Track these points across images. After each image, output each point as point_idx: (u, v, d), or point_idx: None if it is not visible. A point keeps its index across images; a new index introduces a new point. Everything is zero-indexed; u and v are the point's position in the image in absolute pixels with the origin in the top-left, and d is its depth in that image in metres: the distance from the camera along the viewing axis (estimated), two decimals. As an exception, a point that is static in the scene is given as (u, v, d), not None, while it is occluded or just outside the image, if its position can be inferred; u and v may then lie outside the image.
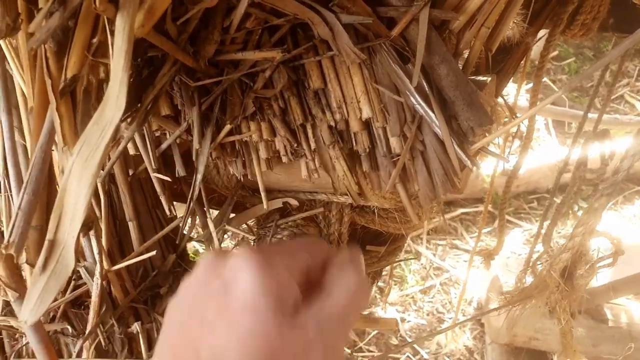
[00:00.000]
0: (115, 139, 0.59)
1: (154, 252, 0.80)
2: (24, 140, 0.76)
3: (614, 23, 1.24)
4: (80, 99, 0.58)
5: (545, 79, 4.07)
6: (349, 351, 2.75)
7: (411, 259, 3.17)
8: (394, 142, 0.77)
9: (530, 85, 4.08)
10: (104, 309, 0.80)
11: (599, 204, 0.60)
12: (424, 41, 0.71)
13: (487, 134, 0.77)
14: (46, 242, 0.50)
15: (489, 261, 1.33)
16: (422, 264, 3.25)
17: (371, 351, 2.81)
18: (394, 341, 2.93)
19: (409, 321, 2.95)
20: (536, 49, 1.24)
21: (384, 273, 3.24)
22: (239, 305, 0.38)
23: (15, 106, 0.79)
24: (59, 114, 0.54)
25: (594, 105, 3.13)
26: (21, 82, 0.69)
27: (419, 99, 0.74)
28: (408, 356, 2.75)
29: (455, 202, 3.46)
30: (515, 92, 1.53)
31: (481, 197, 3.38)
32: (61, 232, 0.50)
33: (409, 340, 2.89)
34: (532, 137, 1.24)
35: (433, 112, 0.74)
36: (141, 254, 0.82)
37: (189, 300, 0.43)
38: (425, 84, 0.74)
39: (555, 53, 4.35)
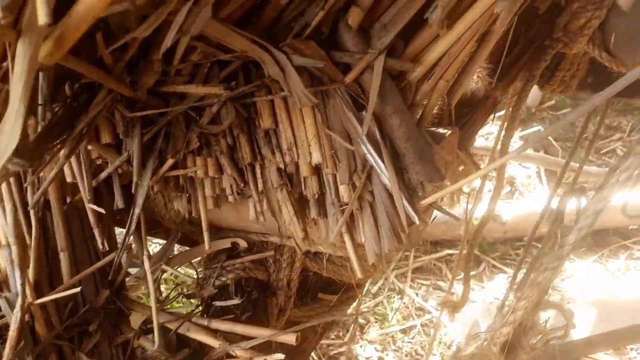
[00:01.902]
0: (7, 172, 0.55)
1: (78, 289, 0.75)
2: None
3: (593, 82, 1.23)
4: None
5: (540, 127, 4.08)
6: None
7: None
8: (342, 190, 0.74)
9: (525, 132, 4.07)
10: (21, 344, 0.75)
11: (543, 278, 0.56)
12: (377, 90, 0.69)
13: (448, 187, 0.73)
14: None
15: (454, 314, 1.28)
16: (404, 303, 3.19)
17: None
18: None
19: (387, 361, 2.87)
20: (532, 96, 1.20)
21: (365, 310, 3.17)
22: None
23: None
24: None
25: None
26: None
27: (370, 148, 0.71)
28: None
29: (442, 242, 3.42)
30: (499, 137, 1.45)
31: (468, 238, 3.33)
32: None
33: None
34: (502, 184, 1.21)
35: (383, 162, 0.71)
36: (70, 287, 0.77)
37: None
38: (377, 133, 0.71)
39: (551, 103, 4.37)
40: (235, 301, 0.85)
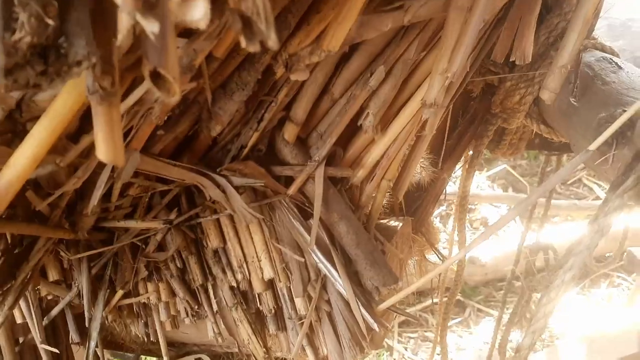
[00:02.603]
0: None
1: None
2: None
3: (540, 142, 1.26)
4: None
5: (505, 166, 4.14)
6: None
7: None
8: (298, 302, 0.73)
9: (492, 171, 4.12)
10: None
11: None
12: (320, 200, 0.69)
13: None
14: None
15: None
16: (394, 359, 3.11)
17: None
18: None
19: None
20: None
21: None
22: None
23: None
24: None
25: (555, 190, 3.16)
26: None
27: (320, 257, 0.71)
28: None
29: (426, 292, 3.39)
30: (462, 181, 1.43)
31: (451, 286, 3.31)
32: None
33: None
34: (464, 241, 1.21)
35: (336, 270, 0.70)
36: None
37: None
38: (327, 240, 0.71)
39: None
40: None
